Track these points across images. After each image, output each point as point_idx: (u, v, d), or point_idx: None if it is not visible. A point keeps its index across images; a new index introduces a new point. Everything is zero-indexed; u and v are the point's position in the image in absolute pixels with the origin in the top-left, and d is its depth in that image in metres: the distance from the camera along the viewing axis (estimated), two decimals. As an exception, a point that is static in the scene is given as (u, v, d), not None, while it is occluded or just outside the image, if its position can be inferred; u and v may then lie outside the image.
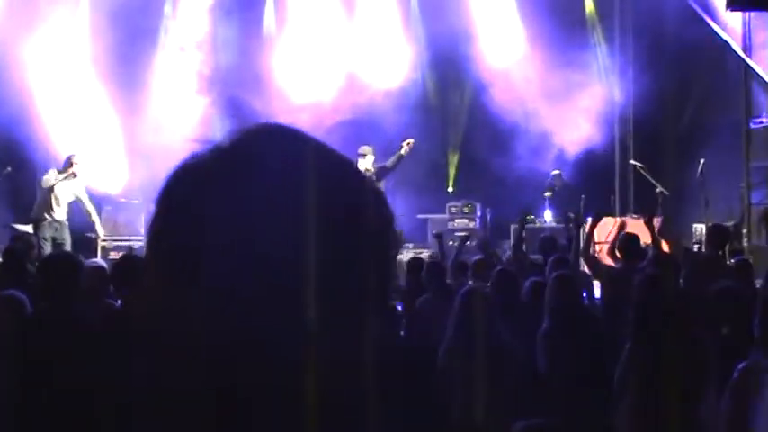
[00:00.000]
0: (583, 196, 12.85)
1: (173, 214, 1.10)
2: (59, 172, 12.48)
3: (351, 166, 1.15)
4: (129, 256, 6.60)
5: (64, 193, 12.48)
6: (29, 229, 13.02)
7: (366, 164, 12.44)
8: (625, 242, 7.81)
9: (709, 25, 13.79)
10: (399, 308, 7.33)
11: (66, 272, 4.83)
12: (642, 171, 13.19)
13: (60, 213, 12.42)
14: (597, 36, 15.37)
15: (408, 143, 12.55)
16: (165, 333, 1.06)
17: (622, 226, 8.85)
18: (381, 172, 12.44)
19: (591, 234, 8.49)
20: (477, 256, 8.29)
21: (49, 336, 4.54)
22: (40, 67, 14.34)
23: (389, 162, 12.56)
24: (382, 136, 14.41)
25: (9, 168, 13.74)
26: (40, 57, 14.32)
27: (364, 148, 12.64)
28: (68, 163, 12.55)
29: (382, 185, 12.17)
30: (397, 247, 3.85)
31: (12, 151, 14.03)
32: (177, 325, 1.05)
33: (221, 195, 1.06)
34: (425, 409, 4.56)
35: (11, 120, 13.69)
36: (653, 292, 4.90)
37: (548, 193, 13.96)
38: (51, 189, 12.38)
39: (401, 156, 12.54)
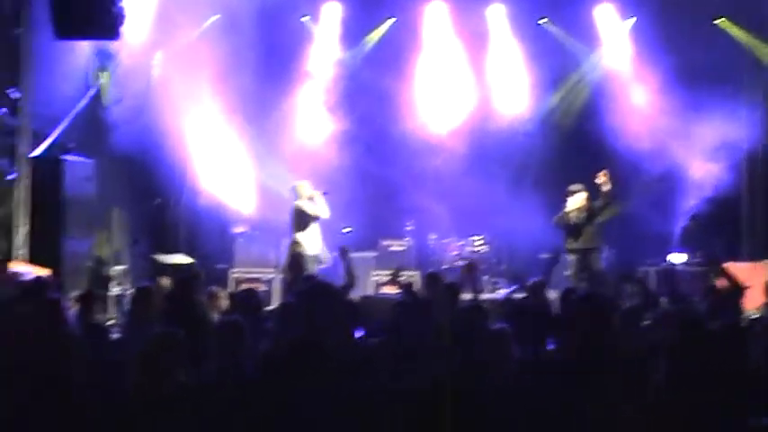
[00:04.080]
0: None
1: None
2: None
3: None
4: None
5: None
6: (173, 259, 13.17)
7: (578, 201, 11.89)
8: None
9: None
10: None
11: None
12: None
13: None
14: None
15: (604, 176, 11.70)
16: None
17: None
18: (597, 211, 11.91)
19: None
20: None
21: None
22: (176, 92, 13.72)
23: (600, 202, 11.85)
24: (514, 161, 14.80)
25: (159, 200, 13.92)
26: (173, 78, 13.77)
27: (576, 186, 11.97)
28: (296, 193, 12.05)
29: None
30: None
31: (157, 183, 13.86)
32: None
33: None
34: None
35: (157, 150, 13.36)
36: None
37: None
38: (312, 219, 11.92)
39: (607, 192, 11.76)
